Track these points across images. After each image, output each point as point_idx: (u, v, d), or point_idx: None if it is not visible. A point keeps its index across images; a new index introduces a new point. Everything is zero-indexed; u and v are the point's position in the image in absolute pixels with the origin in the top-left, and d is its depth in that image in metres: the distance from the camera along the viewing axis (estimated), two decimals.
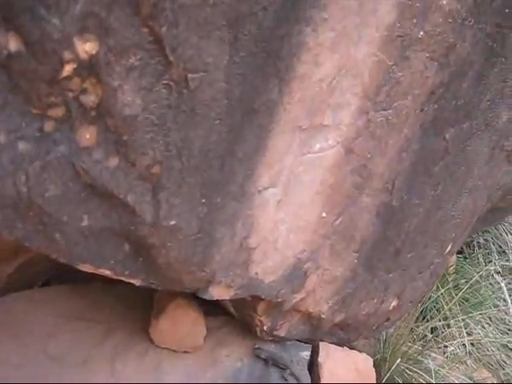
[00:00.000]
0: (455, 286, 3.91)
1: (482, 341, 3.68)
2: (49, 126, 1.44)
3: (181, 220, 1.70)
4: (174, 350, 2.42)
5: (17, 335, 2.31)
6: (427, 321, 3.61)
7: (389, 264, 2.56)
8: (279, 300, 2.18)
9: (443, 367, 3.27)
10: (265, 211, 1.91)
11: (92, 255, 1.69)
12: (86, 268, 1.72)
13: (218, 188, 1.73)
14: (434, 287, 3.45)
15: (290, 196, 1.96)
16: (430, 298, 3.68)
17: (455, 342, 3.55)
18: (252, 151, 1.76)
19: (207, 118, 1.58)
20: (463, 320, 3.67)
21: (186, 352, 2.43)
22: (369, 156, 2.13)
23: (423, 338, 3.40)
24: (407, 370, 3.16)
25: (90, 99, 1.43)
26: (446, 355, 3.47)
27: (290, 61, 1.68)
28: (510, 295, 3.88)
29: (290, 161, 1.89)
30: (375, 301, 2.64)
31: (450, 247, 2.87)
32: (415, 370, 3.15)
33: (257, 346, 2.45)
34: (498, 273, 4.13)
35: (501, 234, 4.46)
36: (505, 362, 3.71)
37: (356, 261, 2.36)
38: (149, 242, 1.71)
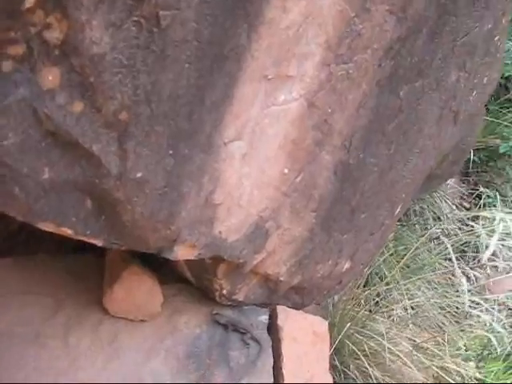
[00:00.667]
0: (396, 253, 3.95)
1: (423, 305, 3.73)
2: (7, 66, 1.30)
3: (148, 172, 1.59)
4: (131, 320, 2.31)
5: None
6: (371, 286, 3.62)
7: (344, 224, 2.53)
8: (240, 261, 2.10)
9: (390, 330, 3.29)
10: (230, 165, 1.83)
11: (53, 212, 1.56)
12: (47, 227, 1.59)
13: (185, 138, 1.63)
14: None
15: (255, 150, 1.89)
16: (371, 265, 3.69)
17: (399, 305, 3.57)
18: (220, 100, 1.67)
19: (177, 61, 1.48)
20: (405, 285, 3.71)
21: (142, 321, 2.32)
22: (329, 111, 2.07)
23: (369, 303, 3.40)
24: (356, 334, 3.16)
25: (54, 35, 1.30)
26: (391, 319, 3.49)
27: (260, 4, 1.60)
28: (448, 259, 3.95)
29: (255, 112, 1.81)
30: (330, 262, 2.60)
31: (399, 209, 2.87)
32: (364, 332, 3.14)
33: (215, 312, 2.37)
34: (437, 238, 4.19)
35: (435, 202, 4.53)
36: (444, 325, 3.78)
37: (314, 220, 2.31)
38: (114, 196, 1.59)
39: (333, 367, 3.03)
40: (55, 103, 1.38)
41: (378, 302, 3.45)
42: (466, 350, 3.58)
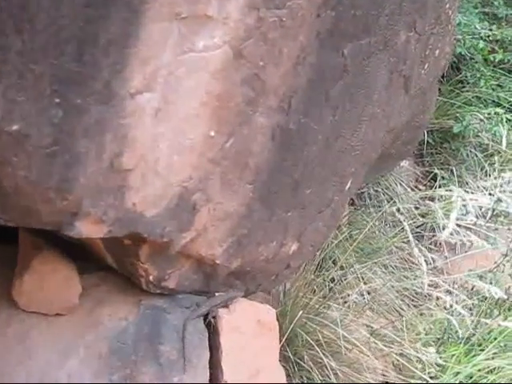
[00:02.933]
0: (350, 237, 3.64)
1: (379, 289, 3.44)
2: None
3: (27, 125, 1.24)
4: (44, 314, 1.94)
5: None
6: (325, 272, 3.30)
7: (287, 200, 2.21)
8: (165, 240, 1.76)
9: (345, 317, 2.97)
10: (141, 122, 1.49)
11: None
12: None
13: (76, 84, 1.29)
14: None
15: (172, 105, 1.55)
16: (324, 250, 3.39)
17: (354, 291, 3.27)
18: (120, 39, 1.33)
19: None
20: (360, 269, 3.41)
21: (58, 315, 1.96)
22: (262, 64, 1.75)
23: (322, 289, 3.08)
24: (309, 322, 2.83)
25: None
26: (346, 305, 3.18)
27: None
28: (404, 242, 3.67)
29: (167, 59, 1.48)
30: (274, 243, 2.27)
31: (349, 184, 2.56)
32: (318, 320, 2.82)
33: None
34: (393, 221, 3.92)
35: (390, 185, 4.25)
36: (402, 309, 3.49)
37: (251, 194, 1.99)
38: None
39: (285, 358, 2.71)
40: None
41: (332, 287, 3.13)
42: (426, 335, 3.29)
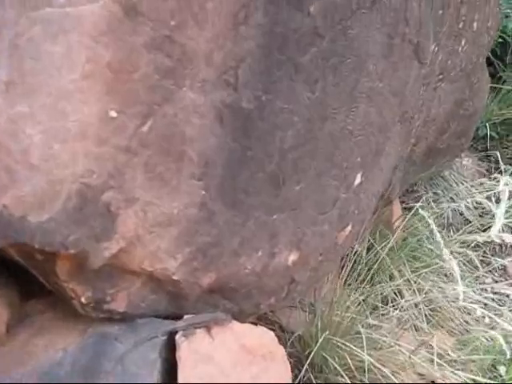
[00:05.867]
0: (403, 244, 3.06)
1: (438, 301, 2.83)
2: None
3: None
4: None
5: None
6: (371, 284, 2.74)
7: (267, 200, 1.73)
8: (73, 252, 1.34)
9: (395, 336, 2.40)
10: None
11: None
12: None
13: None
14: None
15: (30, 77, 1.14)
16: (366, 258, 2.84)
17: (407, 305, 2.70)
18: None
19: None
20: (414, 279, 2.84)
21: None
22: (173, 23, 1.31)
23: (359, 304, 2.53)
24: (341, 345, 2.29)
25: None
26: (396, 322, 2.61)
27: None
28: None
29: (10, 16, 1.08)
30: (260, 253, 1.80)
31: (359, 177, 2.05)
32: (355, 342, 2.28)
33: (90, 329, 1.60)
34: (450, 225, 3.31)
35: (451, 185, 3.63)
36: (467, 323, 2.88)
37: (204, 192, 1.54)
38: None
39: None
40: None
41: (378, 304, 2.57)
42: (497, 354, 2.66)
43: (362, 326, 2.35)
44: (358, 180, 2.04)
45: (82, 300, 1.50)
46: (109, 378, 1.48)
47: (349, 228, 2.14)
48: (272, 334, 1.87)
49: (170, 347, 1.64)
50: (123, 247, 1.43)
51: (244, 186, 1.64)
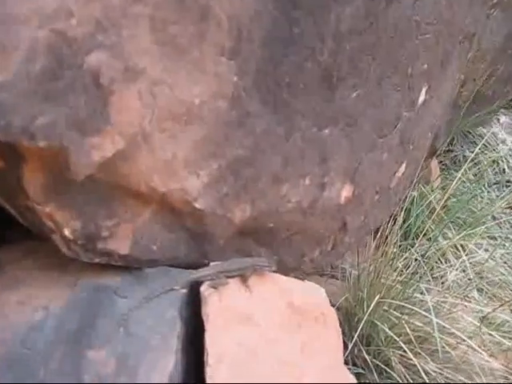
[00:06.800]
0: (444, 205, 2.59)
1: (486, 264, 2.38)
2: None
3: None
4: None
5: None
6: (413, 245, 2.26)
7: (317, 105, 1.26)
8: (48, 147, 0.86)
9: (443, 302, 1.93)
10: None
11: None
12: None
13: None
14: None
15: None
16: (410, 218, 2.38)
17: (453, 268, 2.25)
18: None
19: None
20: (459, 242, 2.39)
21: None
22: None
23: (410, 267, 2.05)
24: (394, 311, 1.80)
25: None
26: (444, 286, 2.15)
27: None
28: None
29: None
30: (307, 181, 1.32)
31: (424, 93, 1.58)
32: (406, 308, 1.80)
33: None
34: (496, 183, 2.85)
35: (489, 143, 3.18)
36: None
37: (237, 79, 1.07)
38: None
39: (359, 361, 1.75)
40: None
41: (420, 263, 2.10)
42: None
43: (414, 291, 1.89)
44: (422, 96, 1.57)
45: (66, 233, 1.01)
46: (106, 347, 0.98)
47: (403, 168, 1.67)
48: (324, 291, 1.38)
49: (194, 302, 1.16)
50: (121, 150, 0.95)
51: (289, 78, 1.17)
